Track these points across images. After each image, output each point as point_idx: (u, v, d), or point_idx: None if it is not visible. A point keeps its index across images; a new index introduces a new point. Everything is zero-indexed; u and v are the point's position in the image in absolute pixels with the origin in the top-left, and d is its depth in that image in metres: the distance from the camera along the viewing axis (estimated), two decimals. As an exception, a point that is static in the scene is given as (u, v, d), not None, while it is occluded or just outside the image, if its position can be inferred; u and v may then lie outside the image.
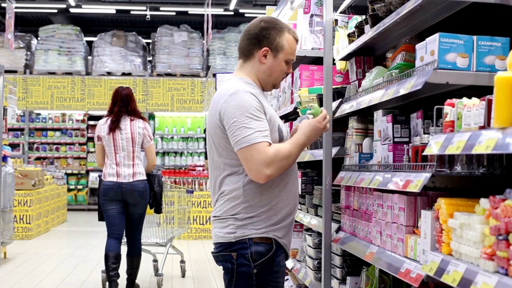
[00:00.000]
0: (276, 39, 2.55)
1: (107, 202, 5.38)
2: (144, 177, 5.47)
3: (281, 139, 2.50)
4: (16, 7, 9.68)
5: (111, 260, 5.31)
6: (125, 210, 5.44)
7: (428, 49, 2.25)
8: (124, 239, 5.66)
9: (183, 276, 6.59)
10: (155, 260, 6.51)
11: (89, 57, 14.74)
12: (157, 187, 5.67)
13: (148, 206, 5.67)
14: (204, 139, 13.30)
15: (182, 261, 6.63)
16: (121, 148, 5.39)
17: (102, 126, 5.45)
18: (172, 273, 6.86)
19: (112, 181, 5.34)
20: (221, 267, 2.54)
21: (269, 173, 2.35)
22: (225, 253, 2.48)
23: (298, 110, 4.11)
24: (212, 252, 2.56)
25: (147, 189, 5.51)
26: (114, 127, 5.40)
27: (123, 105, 5.47)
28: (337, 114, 3.32)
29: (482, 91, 2.07)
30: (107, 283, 5.45)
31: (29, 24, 16.54)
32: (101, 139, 5.43)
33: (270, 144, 2.38)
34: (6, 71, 9.84)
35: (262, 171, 2.34)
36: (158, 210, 5.81)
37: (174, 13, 15.59)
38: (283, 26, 2.59)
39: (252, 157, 2.34)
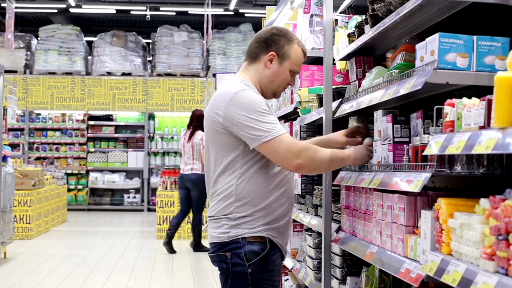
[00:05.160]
0: (284, 46, 2.57)
1: (180, 189, 8.38)
2: (199, 172, 8.09)
3: None
4: (16, 7, 9.68)
5: (173, 222, 8.35)
6: (189, 194, 8.24)
7: (428, 49, 2.25)
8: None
9: None
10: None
11: (89, 57, 14.74)
12: None
13: None
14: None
15: None
16: (186, 152, 8.24)
17: (182, 136, 8.42)
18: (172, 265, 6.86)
19: (180, 173, 8.36)
20: (220, 268, 2.54)
21: (301, 162, 2.41)
22: (219, 253, 2.48)
23: (298, 110, 4.11)
24: (208, 253, 2.56)
25: (200, 179, 7.99)
26: (187, 138, 8.26)
27: (197, 122, 8.21)
28: (337, 114, 3.32)
29: (482, 91, 2.07)
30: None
31: (29, 24, 16.54)
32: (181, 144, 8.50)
33: None
34: (6, 71, 9.85)
35: (293, 160, 2.40)
36: None
37: (174, 13, 15.58)
38: (293, 37, 2.62)
39: (281, 148, 2.38)
